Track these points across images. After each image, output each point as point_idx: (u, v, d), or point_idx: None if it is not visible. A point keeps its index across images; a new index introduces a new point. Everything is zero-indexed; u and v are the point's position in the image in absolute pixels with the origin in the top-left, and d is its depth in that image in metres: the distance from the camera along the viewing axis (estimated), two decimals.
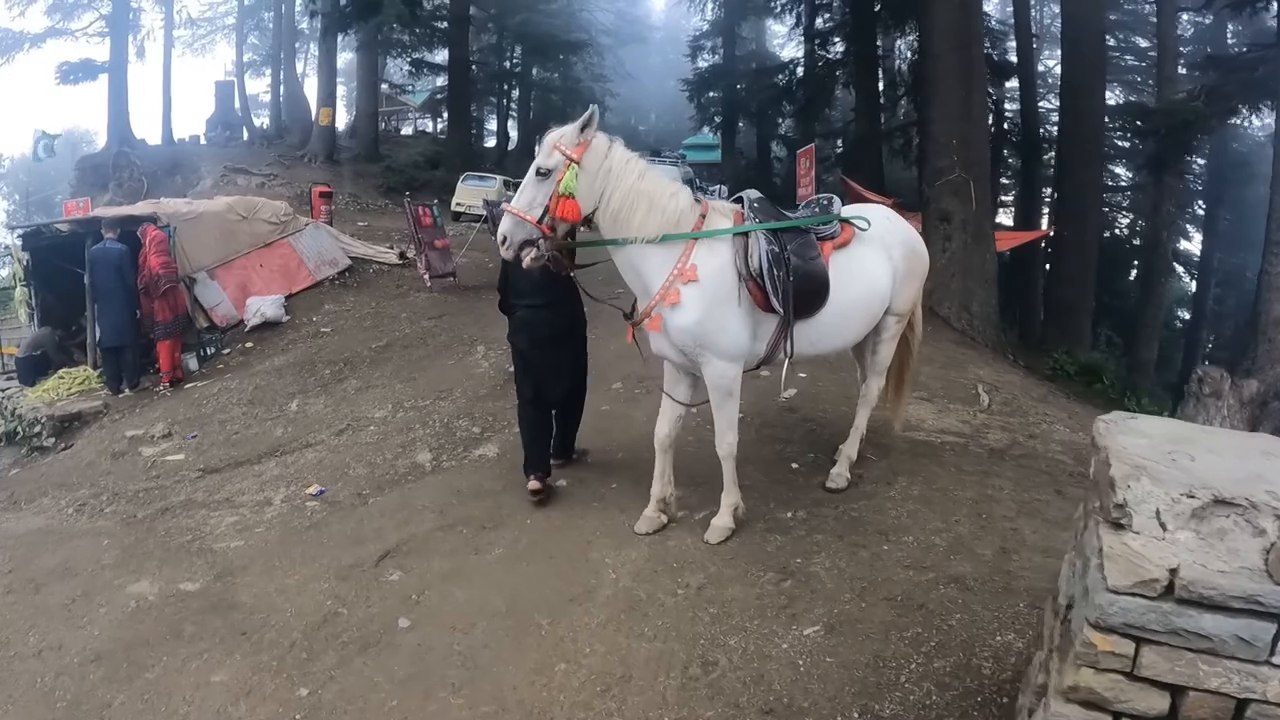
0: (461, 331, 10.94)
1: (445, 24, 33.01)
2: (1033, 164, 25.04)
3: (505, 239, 4.70)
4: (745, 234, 4.85)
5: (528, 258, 4.71)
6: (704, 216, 4.87)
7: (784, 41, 46.54)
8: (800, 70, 29.33)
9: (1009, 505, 5.35)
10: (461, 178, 27.46)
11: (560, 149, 4.67)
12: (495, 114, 46.71)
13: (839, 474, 5.65)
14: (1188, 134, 16.84)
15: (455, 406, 8.05)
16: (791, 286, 4.76)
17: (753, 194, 5.14)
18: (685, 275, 4.69)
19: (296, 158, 31.13)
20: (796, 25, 29.59)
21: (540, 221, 4.65)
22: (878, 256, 5.28)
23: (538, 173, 4.68)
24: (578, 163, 4.65)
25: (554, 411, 6.31)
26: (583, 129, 4.69)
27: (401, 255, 15.41)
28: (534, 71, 43.35)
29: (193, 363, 11.43)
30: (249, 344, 11.82)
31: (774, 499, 5.54)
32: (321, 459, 7.23)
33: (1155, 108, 18.77)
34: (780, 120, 42.17)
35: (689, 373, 5.19)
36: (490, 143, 45.90)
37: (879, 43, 27.25)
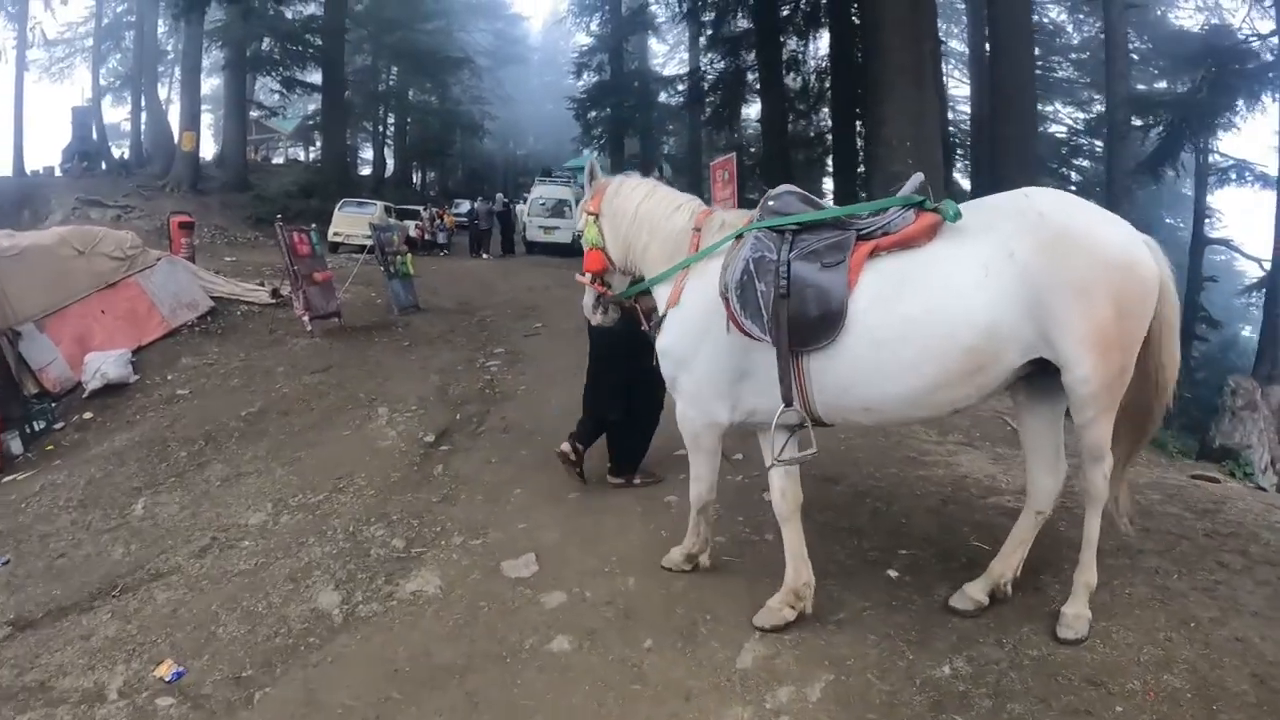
0: (355, 388, 8.69)
1: (318, 39, 30.70)
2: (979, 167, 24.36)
3: (585, 311, 4.83)
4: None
5: (596, 318, 4.77)
6: (699, 230, 4.22)
7: (665, 60, 45.58)
8: (707, 79, 27.62)
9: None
10: (339, 205, 25.26)
11: (584, 210, 4.66)
12: (371, 140, 44.68)
13: (1077, 616, 3.63)
14: (1192, 125, 16.80)
15: (361, 503, 5.83)
16: (781, 303, 3.66)
17: (779, 190, 4.11)
18: (672, 299, 4.22)
19: (158, 188, 28.76)
20: (700, 32, 27.80)
21: (592, 282, 4.65)
22: (973, 257, 3.47)
23: (577, 239, 4.83)
24: (595, 214, 4.57)
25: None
26: (590, 180, 4.68)
27: (275, 293, 12.73)
28: (411, 93, 41.54)
29: (15, 444, 8.71)
30: (87, 414, 9.20)
31: (904, 638, 3.77)
32: (177, 605, 4.87)
33: (1161, 99, 18.95)
34: (666, 139, 41.12)
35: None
36: (366, 170, 43.90)
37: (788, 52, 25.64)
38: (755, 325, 3.74)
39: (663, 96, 38.17)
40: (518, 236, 29.72)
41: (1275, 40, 16.82)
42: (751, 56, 25.47)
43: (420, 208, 29.76)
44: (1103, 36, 29.95)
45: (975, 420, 7.11)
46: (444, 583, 4.61)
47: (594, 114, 35.74)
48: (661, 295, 4.34)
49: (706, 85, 27.74)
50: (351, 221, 23.28)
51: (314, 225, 12.51)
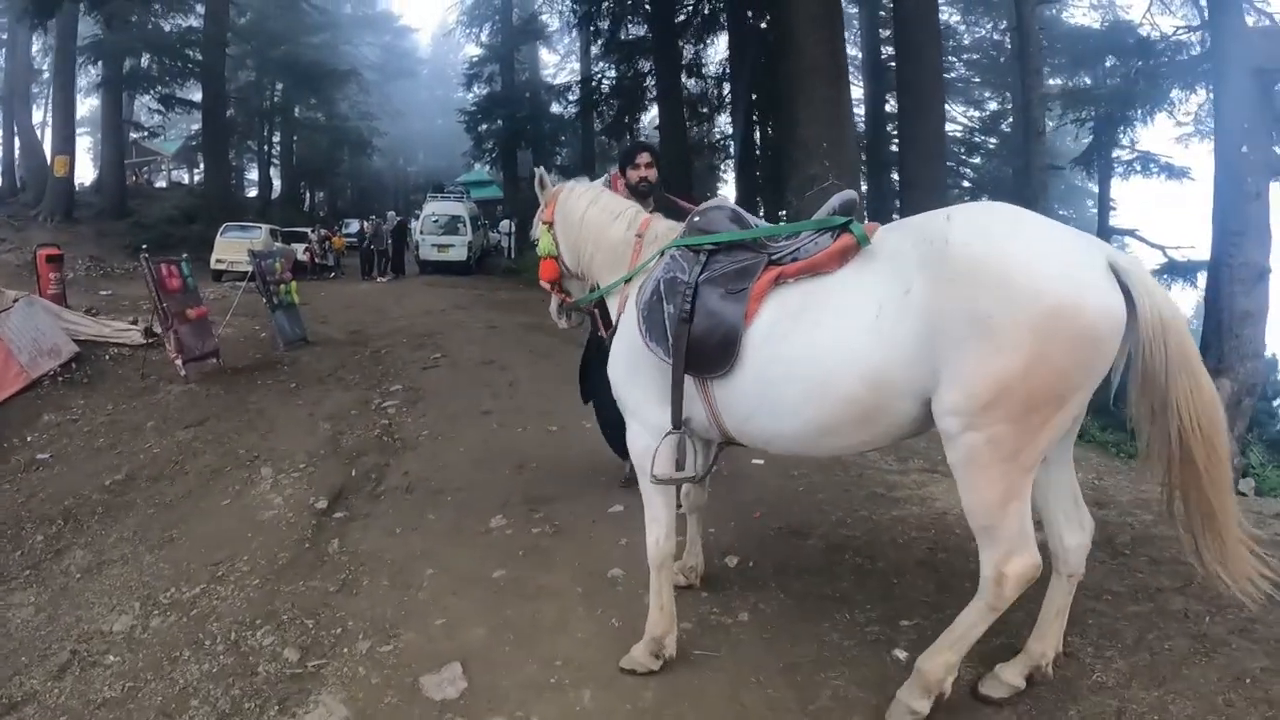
0: (235, 444, 7.75)
1: (198, 53, 29.24)
2: (880, 170, 24.26)
3: (553, 318, 4.81)
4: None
5: (561, 323, 4.80)
6: (640, 236, 4.08)
7: (556, 70, 44.97)
8: (603, 87, 27.00)
9: None
10: (221, 230, 23.90)
11: (539, 219, 4.54)
12: (257, 160, 43.06)
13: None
14: (1126, 116, 17.31)
15: (244, 597, 4.92)
16: (683, 327, 3.53)
17: (707, 204, 3.94)
18: (619, 310, 4.09)
19: (29, 217, 27.32)
20: (594, 40, 27.12)
21: (552, 289, 4.63)
22: (870, 293, 3.13)
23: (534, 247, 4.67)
24: (549, 223, 4.46)
25: None
26: (541, 189, 4.54)
27: (148, 332, 11.46)
28: (297, 110, 40.09)
29: None
30: None
31: None
32: None
33: (1095, 92, 19.39)
34: (559, 150, 40.70)
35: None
36: (253, 193, 42.28)
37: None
38: (659, 348, 3.61)
39: (555, 108, 37.54)
40: (410, 256, 28.59)
41: (1193, 36, 17.26)
42: (647, 64, 24.99)
43: (308, 229, 28.45)
44: (995, 37, 31.11)
45: (934, 441, 6.51)
46: (352, 712, 3.74)
47: (485, 126, 35.01)
48: (613, 306, 4.21)
49: (602, 93, 27.13)
50: (235, 247, 21.93)
51: (185, 255, 11.29)
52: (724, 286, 3.51)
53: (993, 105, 33.10)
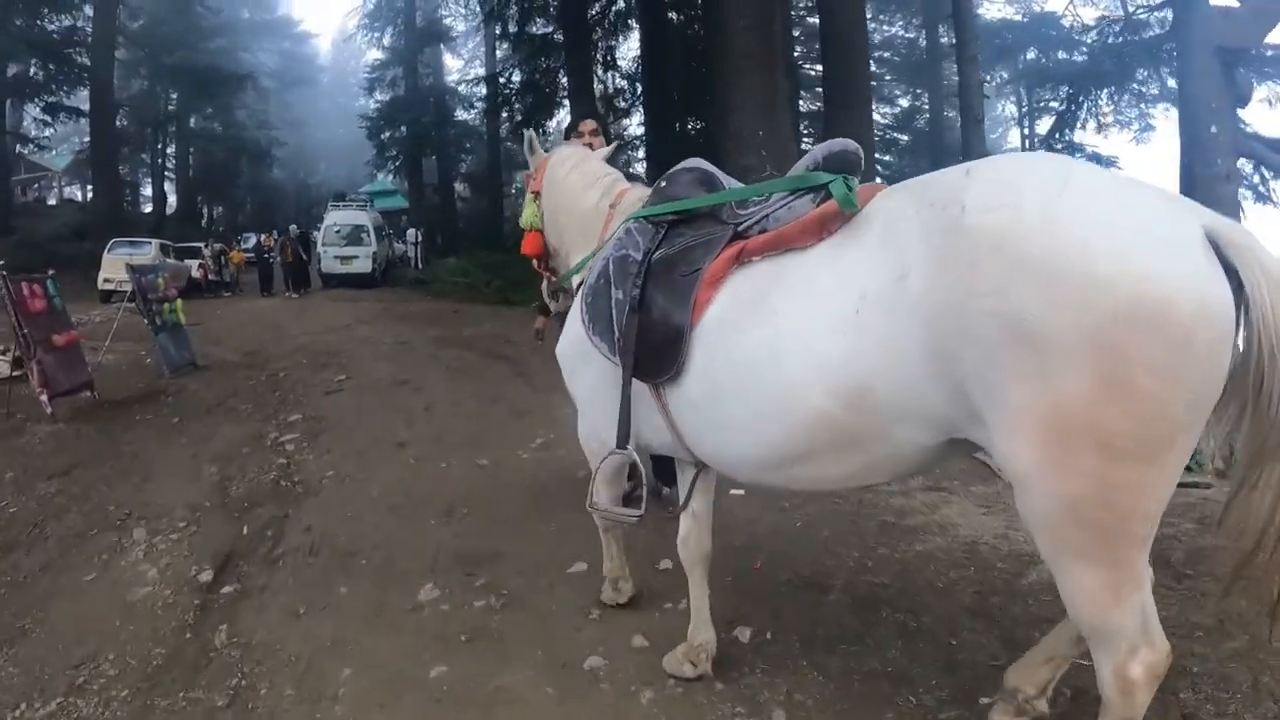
0: (106, 498, 6.43)
1: (85, 57, 27.48)
2: None
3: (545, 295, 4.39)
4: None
5: (553, 305, 4.44)
6: (614, 207, 3.59)
7: (460, 76, 43.91)
8: (512, 86, 25.91)
9: None
10: (109, 246, 22.27)
11: (529, 186, 4.18)
12: (151, 174, 41.05)
13: None
14: (1092, 93, 17.73)
15: (109, 718, 3.76)
16: (632, 317, 2.91)
17: (680, 165, 3.32)
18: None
19: None
20: (502, 38, 26.06)
21: (537, 266, 4.22)
22: (851, 277, 2.33)
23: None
24: (536, 192, 4.03)
25: None
26: (531, 154, 4.18)
27: (17, 362, 9.89)
28: (192, 120, 38.26)
29: None
30: None
31: None
32: None
33: (1065, 69, 19.78)
34: (465, 157, 39.79)
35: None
36: (148, 209, 40.21)
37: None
38: (604, 342, 3.06)
39: (460, 114, 36.54)
40: (312, 269, 27.11)
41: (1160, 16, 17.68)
42: (557, 62, 24.16)
43: (202, 245, 26.81)
44: (908, 35, 31.21)
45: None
46: None
47: (388, 134, 33.82)
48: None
49: (513, 88, 26.07)
50: (122, 264, 20.37)
51: (51, 272, 9.80)
52: (679, 267, 2.86)
53: (904, 102, 33.22)
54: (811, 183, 2.67)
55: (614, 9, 23.79)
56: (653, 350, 2.83)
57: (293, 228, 28.13)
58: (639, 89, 24.67)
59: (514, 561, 4.95)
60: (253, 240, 32.42)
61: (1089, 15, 19.46)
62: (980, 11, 28.98)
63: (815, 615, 4.03)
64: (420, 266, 32.15)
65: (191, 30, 34.69)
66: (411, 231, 33.56)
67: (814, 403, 2.35)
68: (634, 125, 27.96)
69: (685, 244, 2.92)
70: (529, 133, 4.25)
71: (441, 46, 38.37)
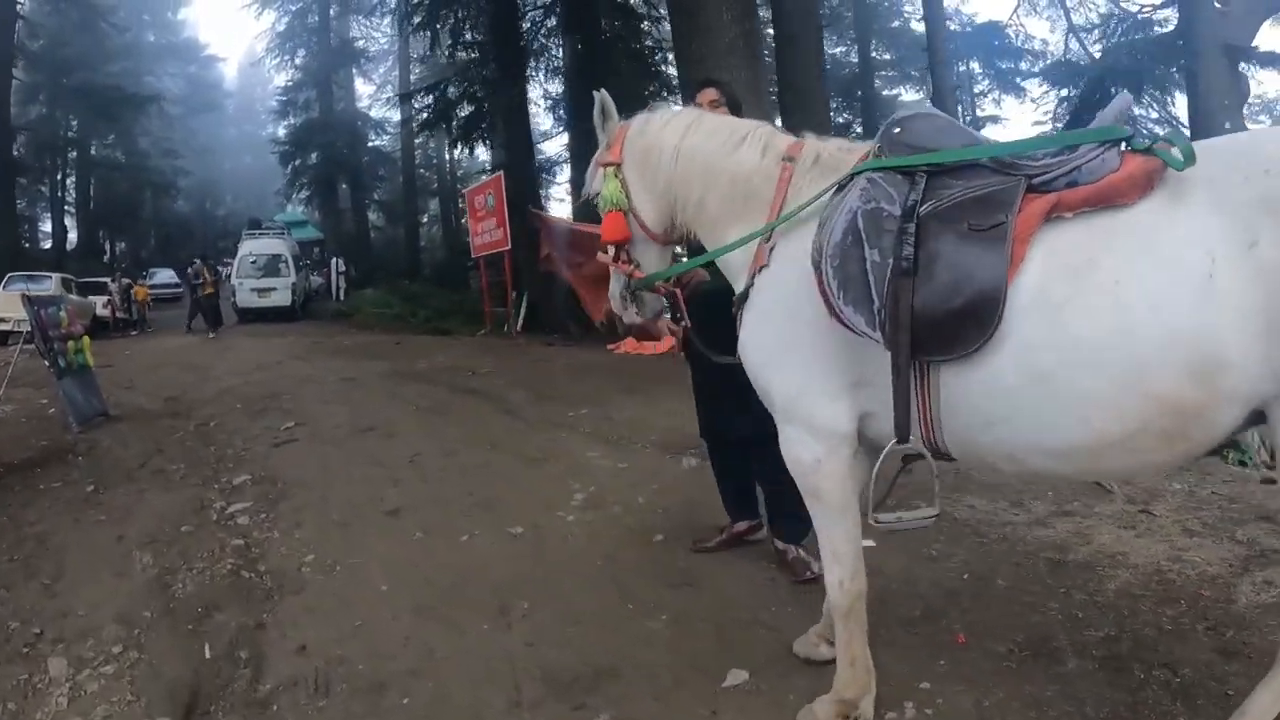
0: (5, 611, 4.45)
1: None
2: None
3: (614, 306, 3.43)
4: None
5: (628, 312, 3.41)
6: (791, 160, 2.85)
7: (372, 102, 42.30)
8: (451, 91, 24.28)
9: None
10: (3, 281, 20.08)
11: (597, 161, 3.33)
12: (50, 206, 38.63)
13: None
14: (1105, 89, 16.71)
15: None
16: (903, 282, 2.33)
17: (908, 110, 2.75)
18: (754, 267, 2.87)
19: None
20: (434, 53, 24.52)
21: (615, 259, 3.26)
22: (1197, 241, 2.10)
23: (593, 204, 3.40)
24: (614, 163, 3.21)
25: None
26: (604, 126, 3.31)
27: None
28: (94, 148, 35.82)
29: None
30: None
31: None
32: None
33: (1082, 65, 19.41)
34: (379, 183, 38.45)
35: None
36: (47, 244, 37.82)
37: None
38: (860, 315, 2.39)
39: (373, 140, 35.06)
40: (228, 304, 24.89)
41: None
42: (492, 72, 22.87)
43: (108, 279, 24.51)
44: (838, 51, 31.23)
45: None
46: None
47: (298, 161, 31.82)
48: (736, 267, 2.98)
49: (450, 99, 24.47)
50: (18, 301, 18.09)
51: None
52: (965, 221, 2.33)
53: (842, 118, 32.83)
54: (1114, 136, 2.31)
55: (547, 23, 22.68)
56: (945, 322, 2.31)
57: (197, 261, 25.90)
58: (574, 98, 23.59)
59: (635, 680, 3.37)
60: (161, 275, 30.28)
61: (1033, 25, 20.64)
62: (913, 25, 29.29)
63: (1071, 690, 3.14)
64: (343, 298, 30.23)
65: (95, 51, 32.95)
66: (335, 261, 31.55)
67: (1167, 383, 2.11)
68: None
69: (962, 195, 2.39)
70: (600, 95, 3.32)
71: (354, 70, 36.60)
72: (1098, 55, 19.96)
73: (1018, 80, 26.36)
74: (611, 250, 3.29)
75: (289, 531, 5.50)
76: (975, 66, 26.99)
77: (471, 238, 20.25)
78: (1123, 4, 21.61)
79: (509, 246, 18.66)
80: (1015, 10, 23.97)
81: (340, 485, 6.46)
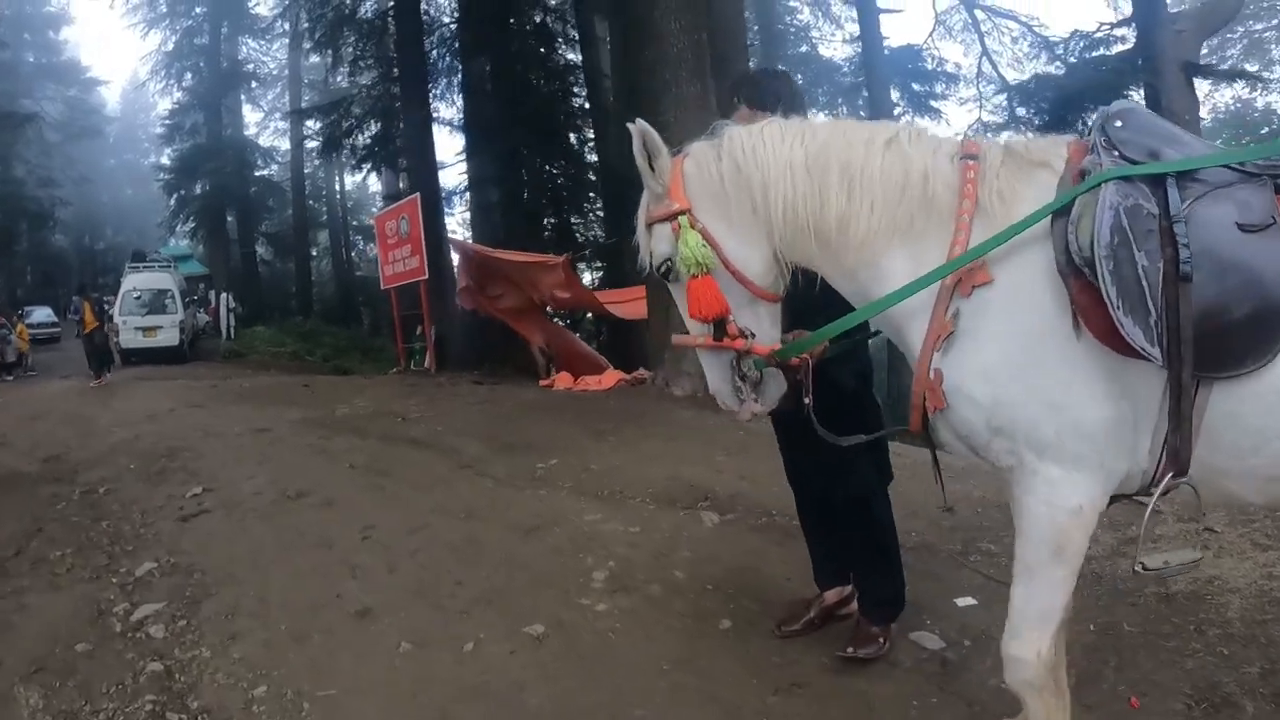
0: None
1: None
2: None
3: (721, 399, 2.69)
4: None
5: (751, 407, 2.62)
6: (974, 159, 2.36)
7: (259, 130, 40.60)
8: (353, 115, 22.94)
9: None
10: None
11: (652, 217, 2.59)
12: None
13: None
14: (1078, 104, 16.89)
15: None
16: (1182, 289, 2.07)
17: (1120, 105, 2.40)
18: (964, 288, 2.30)
19: None
20: (334, 68, 23.24)
21: (718, 339, 2.55)
22: None
23: (663, 276, 2.64)
24: (681, 211, 2.50)
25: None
26: (653, 164, 2.54)
27: None
28: None
29: None
30: None
31: None
32: None
33: (1056, 81, 19.33)
34: (268, 214, 37.09)
35: None
36: None
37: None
38: (1139, 328, 2.05)
39: (260, 169, 33.55)
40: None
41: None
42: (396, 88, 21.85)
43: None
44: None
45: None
46: None
47: (183, 192, 30.13)
48: (916, 310, 2.35)
49: (354, 118, 23.10)
50: None
51: None
52: (1231, 220, 2.11)
53: None
54: None
55: (453, 44, 21.75)
56: (1228, 333, 2.06)
57: (75, 299, 23.78)
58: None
59: None
60: (38, 314, 28.25)
61: (947, 49, 21.15)
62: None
63: None
64: (233, 336, 28.30)
65: None
66: (225, 296, 29.51)
67: None
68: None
69: (1216, 193, 2.15)
70: (640, 125, 2.55)
71: (243, 96, 34.83)
72: (1060, 73, 20.35)
73: (931, 103, 26.72)
74: (710, 329, 2.57)
75: (223, 648, 4.14)
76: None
77: (381, 267, 18.76)
78: (1038, 29, 22.39)
79: (426, 276, 17.26)
80: (930, 34, 24.72)
81: (280, 576, 5.07)
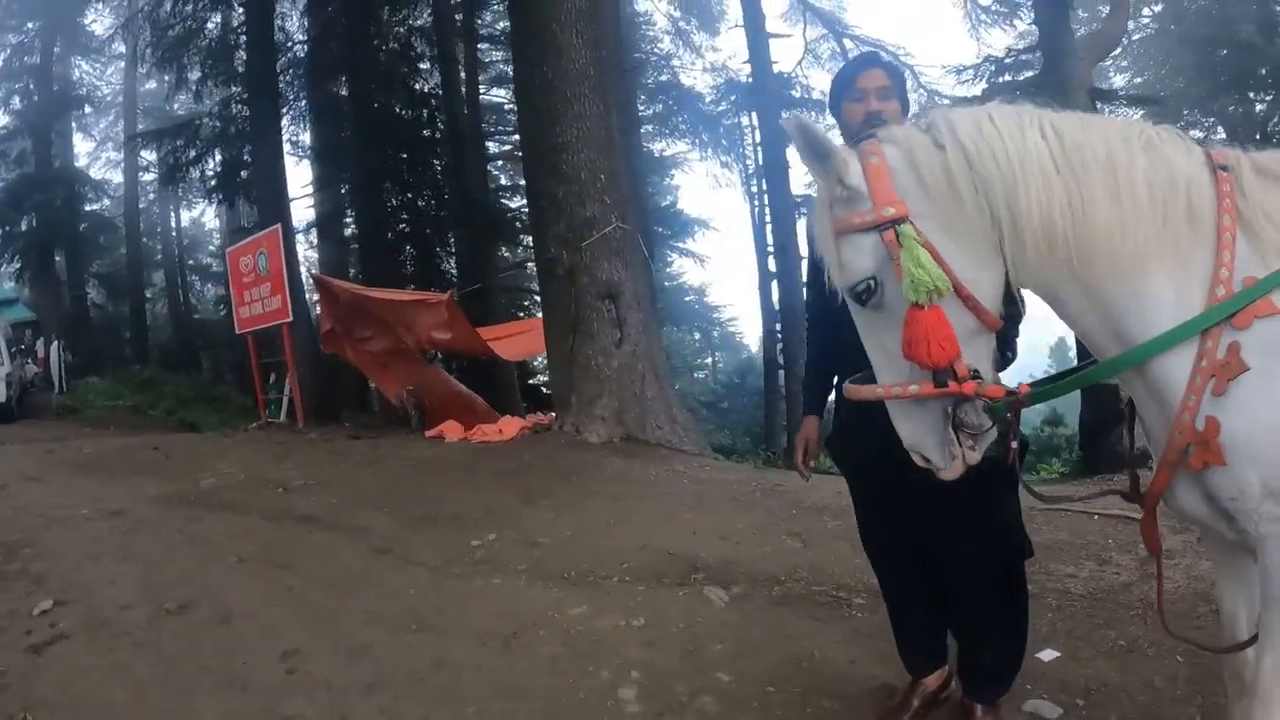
0: None
1: None
2: None
3: (924, 457, 2.20)
4: None
5: (963, 457, 2.17)
6: (1225, 170, 2.06)
7: (90, 161, 37.98)
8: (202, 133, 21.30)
9: None
10: None
11: (848, 225, 2.12)
12: None
13: None
14: None
15: None
16: None
17: None
18: (1244, 317, 1.93)
19: None
20: (203, 80, 21.34)
21: (940, 385, 2.08)
22: None
23: (858, 298, 2.16)
24: (898, 219, 2.07)
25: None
26: (826, 165, 2.13)
27: None
28: None
29: None
30: None
31: None
32: None
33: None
34: (102, 253, 34.86)
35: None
36: None
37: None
38: None
39: (91, 204, 31.27)
40: None
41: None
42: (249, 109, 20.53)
43: None
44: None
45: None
46: None
47: (9, 226, 27.86)
48: (1152, 318, 2.04)
49: (201, 143, 21.49)
50: None
51: None
52: None
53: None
54: None
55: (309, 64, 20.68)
56: None
57: None
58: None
59: None
60: None
61: (815, 77, 22.41)
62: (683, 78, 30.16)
63: None
64: (64, 389, 25.80)
65: None
66: (57, 344, 26.89)
67: None
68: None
69: None
70: (796, 117, 2.14)
71: (74, 124, 32.35)
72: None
73: None
74: (944, 375, 2.10)
75: None
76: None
77: (236, 309, 16.95)
78: (904, 59, 22.85)
79: (290, 318, 15.62)
80: (800, 63, 25.58)
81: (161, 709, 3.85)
